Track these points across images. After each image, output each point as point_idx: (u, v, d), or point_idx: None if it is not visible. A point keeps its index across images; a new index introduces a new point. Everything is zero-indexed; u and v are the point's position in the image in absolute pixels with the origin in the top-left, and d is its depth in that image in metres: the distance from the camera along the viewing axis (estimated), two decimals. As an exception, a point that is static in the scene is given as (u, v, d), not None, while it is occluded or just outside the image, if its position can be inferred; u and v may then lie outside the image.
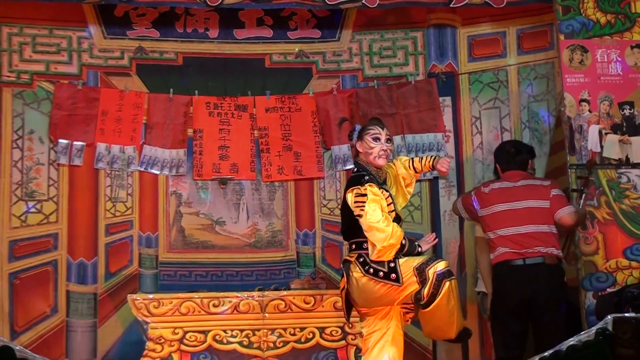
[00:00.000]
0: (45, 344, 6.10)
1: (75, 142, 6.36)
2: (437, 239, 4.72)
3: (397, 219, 4.57)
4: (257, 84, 6.76)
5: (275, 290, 5.93)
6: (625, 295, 5.04)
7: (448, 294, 4.35)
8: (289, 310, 5.79)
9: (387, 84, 6.71)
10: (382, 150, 4.61)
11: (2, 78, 6.31)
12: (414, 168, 4.77)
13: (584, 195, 5.51)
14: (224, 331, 5.77)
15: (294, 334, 5.79)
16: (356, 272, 4.51)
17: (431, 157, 4.77)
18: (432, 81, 6.66)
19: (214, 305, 5.72)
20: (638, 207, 5.56)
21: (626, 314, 4.43)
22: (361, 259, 4.50)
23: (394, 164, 4.80)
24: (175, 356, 5.67)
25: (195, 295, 5.75)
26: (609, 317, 4.27)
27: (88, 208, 6.41)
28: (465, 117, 6.63)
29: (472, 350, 6.27)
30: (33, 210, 6.28)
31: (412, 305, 4.58)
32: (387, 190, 4.59)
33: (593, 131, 5.68)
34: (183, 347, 5.68)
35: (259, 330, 5.77)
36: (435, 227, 6.53)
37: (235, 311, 5.76)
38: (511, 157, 5.47)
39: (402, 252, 4.43)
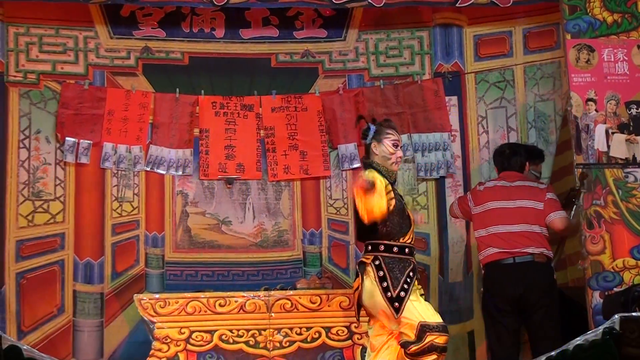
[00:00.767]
0: (52, 343, 6.11)
1: (81, 141, 6.37)
2: None
3: (408, 219, 4.62)
4: (263, 83, 6.76)
5: (281, 289, 5.93)
6: (632, 294, 5.02)
7: None
8: (295, 309, 5.78)
9: (393, 84, 6.71)
10: (399, 157, 4.68)
11: (9, 78, 6.31)
12: None
13: (574, 207, 5.54)
14: (230, 331, 5.76)
15: (300, 334, 5.79)
16: (368, 276, 4.54)
17: None
18: (438, 81, 6.65)
19: (220, 305, 5.72)
20: (645, 207, 5.56)
21: (633, 314, 4.41)
22: (377, 262, 4.53)
23: None
24: (182, 356, 5.67)
25: (201, 295, 5.75)
26: (615, 316, 4.25)
27: (94, 208, 6.42)
28: (472, 117, 6.62)
29: (478, 349, 6.28)
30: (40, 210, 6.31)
31: None
32: (391, 184, 4.59)
33: (600, 131, 5.67)
34: (189, 347, 5.69)
35: (265, 329, 5.76)
36: (442, 226, 6.53)
37: (241, 311, 5.76)
38: (505, 158, 5.56)
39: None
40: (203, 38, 6.71)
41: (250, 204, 6.68)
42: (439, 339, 4.42)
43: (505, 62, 6.58)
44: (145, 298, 5.71)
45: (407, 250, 4.62)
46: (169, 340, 5.66)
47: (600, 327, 4.25)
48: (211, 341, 5.74)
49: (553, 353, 4.28)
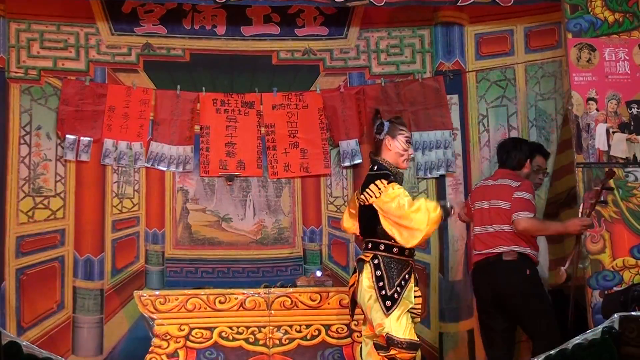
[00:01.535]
0: (52, 339, 6.11)
1: (82, 138, 6.37)
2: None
3: None
4: (264, 80, 6.75)
5: (281, 287, 5.93)
6: (631, 293, 5.03)
7: None
8: (295, 307, 5.79)
9: (394, 82, 6.70)
10: (410, 154, 4.74)
11: (10, 74, 6.31)
12: None
13: (595, 205, 5.43)
14: (230, 328, 5.77)
15: (299, 331, 5.80)
16: (365, 274, 4.55)
17: None
18: (439, 79, 6.65)
19: (220, 302, 5.73)
20: (645, 206, 5.56)
21: (632, 313, 4.42)
22: (375, 261, 4.54)
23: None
24: (181, 353, 5.68)
25: (201, 291, 5.76)
26: (615, 315, 4.26)
27: (95, 204, 6.42)
28: (473, 115, 6.62)
29: (478, 347, 6.27)
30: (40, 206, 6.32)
31: (420, 310, 4.68)
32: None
33: (600, 130, 5.67)
34: (189, 344, 5.70)
35: (264, 327, 5.77)
36: (442, 225, 6.49)
37: (241, 308, 5.76)
38: (505, 152, 5.58)
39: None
40: (204, 35, 6.71)
41: (250, 201, 6.68)
42: (401, 356, 4.43)
43: (507, 61, 6.57)
44: (145, 295, 5.72)
45: (407, 251, 4.63)
46: (168, 336, 5.67)
47: (599, 326, 4.26)
48: (211, 338, 5.75)
49: (552, 352, 4.28)
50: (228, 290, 5.78)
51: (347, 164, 6.67)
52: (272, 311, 5.76)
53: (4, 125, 6.25)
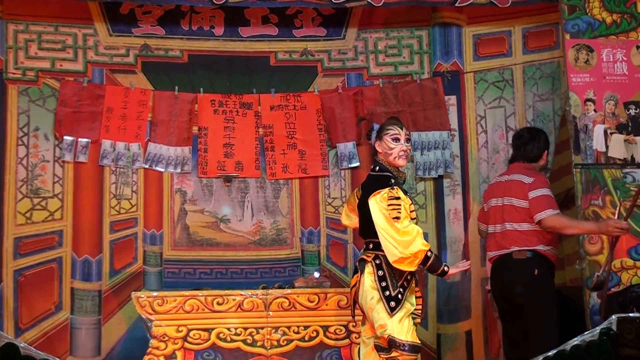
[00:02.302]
0: (50, 341, 6.11)
1: (80, 139, 6.38)
2: (469, 267, 4.71)
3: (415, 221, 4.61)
4: (262, 81, 6.76)
5: (279, 288, 5.92)
6: (629, 295, 5.04)
7: None
8: (293, 308, 5.79)
9: (392, 83, 6.71)
10: (402, 150, 4.61)
11: (8, 75, 6.31)
12: None
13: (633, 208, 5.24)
14: (228, 329, 5.77)
15: (297, 332, 5.79)
16: (368, 274, 4.53)
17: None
18: (437, 80, 6.65)
19: (218, 303, 5.72)
20: (643, 207, 5.55)
21: (630, 314, 4.42)
22: (377, 261, 4.52)
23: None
24: (179, 354, 5.67)
25: (199, 293, 5.75)
26: (613, 317, 4.26)
27: (93, 205, 6.42)
28: (471, 116, 6.62)
29: (476, 348, 6.28)
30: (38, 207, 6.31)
31: (420, 311, 4.66)
32: (410, 198, 4.62)
33: (598, 131, 5.67)
34: (187, 345, 5.69)
35: (262, 328, 5.77)
36: (440, 225, 6.53)
37: (239, 309, 5.76)
38: (522, 143, 5.39)
39: (424, 265, 4.45)
40: (202, 36, 6.71)
41: (248, 202, 6.68)
42: (403, 358, 4.40)
43: (504, 62, 6.57)
44: (143, 296, 5.71)
45: None
46: (166, 338, 5.67)
47: (597, 328, 4.26)
48: (209, 339, 5.75)
49: (550, 353, 4.28)
50: (226, 291, 5.78)
51: (344, 166, 6.67)
52: (270, 312, 5.76)
53: (1, 127, 6.25)
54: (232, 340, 5.76)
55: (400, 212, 4.41)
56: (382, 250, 4.51)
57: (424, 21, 6.76)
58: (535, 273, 5.10)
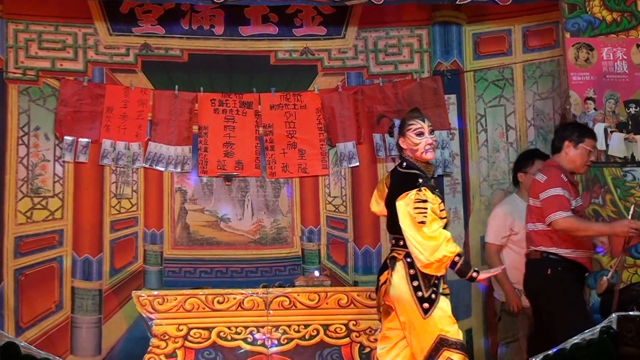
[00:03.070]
0: (50, 340, 6.11)
1: (80, 139, 6.38)
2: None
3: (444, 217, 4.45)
4: (262, 81, 6.75)
5: (279, 287, 5.93)
6: (630, 293, 5.03)
7: None
8: (294, 307, 5.78)
9: (392, 82, 6.71)
10: (428, 144, 4.43)
11: (8, 74, 6.31)
12: None
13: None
14: (229, 328, 5.77)
15: (298, 331, 5.79)
16: (398, 272, 4.38)
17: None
18: (437, 79, 6.65)
19: (219, 302, 5.72)
20: (644, 205, 5.55)
21: (630, 312, 4.42)
22: (409, 259, 4.35)
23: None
24: (180, 353, 5.67)
25: (199, 291, 5.75)
26: (613, 315, 4.26)
27: (93, 204, 6.42)
28: (471, 115, 6.62)
29: (476, 347, 6.29)
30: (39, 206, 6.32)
31: None
32: (438, 195, 4.43)
33: (598, 129, 5.67)
34: (187, 344, 5.69)
35: (263, 327, 5.77)
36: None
37: (239, 308, 5.76)
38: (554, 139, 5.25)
39: (453, 268, 4.28)
40: (202, 35, 6.71)
41: (249, 201, 6.68)
42: (456, 357, 4.20)
43: (504, 61, 6.58)
44: (143, 295, 5.71)
45: None
46: (167, 337, 5.67)
47: (597, 326, 4.26)
48: (209, 338, 5.75)
49: (550, 352, 4.28)
50: (226, 290, 5.77)
51: (344, 166, 6.67)
52: (271, 311, 5.76)
53: (2, 126, 6.25)
54: (233, 339, 5.76)
55: (426, 216, 4.23)
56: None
57: (424, 20, 6.76)
58: (548, 273, 5.02)
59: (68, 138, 6.34)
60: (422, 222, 4.23)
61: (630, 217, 5.02)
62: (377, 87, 6.71)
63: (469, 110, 6.62)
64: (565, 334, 4.73)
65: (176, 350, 5.67)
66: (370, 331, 5.80)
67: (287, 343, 5.76)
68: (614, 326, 4.18)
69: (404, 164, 4.48)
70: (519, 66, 6.52)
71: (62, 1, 6.32)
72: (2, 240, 6.14)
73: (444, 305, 4.32)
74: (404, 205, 4.30)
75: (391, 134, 4.68)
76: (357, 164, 6.64)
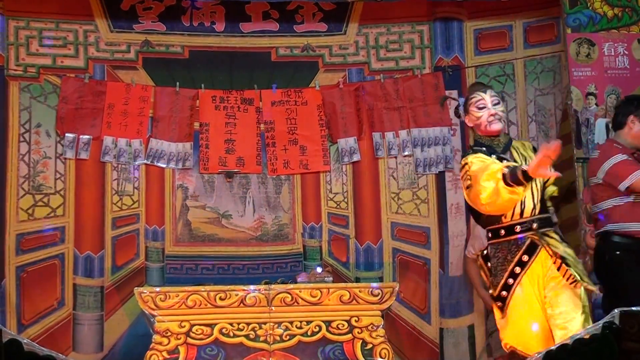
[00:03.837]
0: (52, 337, 6.11)
1: (81, 136, 6.38)
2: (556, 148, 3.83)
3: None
4: (263, 77, 6.75)
5: (281, 283, 5.93)
6: (632, 289, 5.03)
7: None
8: (296, 303, 5.78)
9: (393, 78, 6.70)
10: (491, 115, 4.13)
11: (9, 71, 6.31)
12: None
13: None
14: (231, 324, 5.77)
15: (300, 328, 5.79)
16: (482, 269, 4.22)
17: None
18: (438, 75, 6.65)
19: (221, 299, 5.72)
20: (645, 201, 5.54)
21: (633, 308, 4.41)
22: (484, 252, 4.20)
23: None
24: (182, 349, 5.67)
25: (201, 288, 5.75)
26: (615, 310, 4.25)
27: (95, 201, 6.41)
28: (472, 111, 6.60)
29: (478, 342, 6.30)
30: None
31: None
32: (505, 159, 4.08)
33: (600, 125, 5.68)
34: (190, 340, 5.69)
35: (265, 323, 5.76)
36: (442, 220, 6.53)
37: (241, 304, 5.76)
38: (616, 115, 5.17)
39: (509, 185, 3.81)
40: (203, 32, 6.70)
41: (250, 197, 6.68)
42: None
43: (506, 56, 6.57)
44: (145, 291, 5.71)
45: (517, 228, 4.06)
46: (169, 333, 5.67)
47: (600, 322, 4.25)
48: (211, 335, 5.75)
49: (553, 347, 4.28)
50: (228, 286, 5.77)
51: (345, 161, 6.67)
52: (273, 307, 5.76)
53: (3, 123, 6.25)
54: (235, 336, 5.76)
55: (469, 179, 3.95)
56: (490, 238, 4.14)
57: (425, 16, 6.75)
58: (605, 258, 5.01)
59: (69, 135, 6.34)
60: (469, 187, 3.99)
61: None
62: (378, 83, 6.70)
63: (470, 106, 6.60)
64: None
65: (178, 346, 5.67)
66: (372, 327, 5.80)
67: (289, 339, 5.76)
68: (617, 322, 4.17)
69: (473, 143, 4.26)
70: (520, 62, 6.52)
71: (63, -2, 6.33)
72: (3, 237, 6.13)
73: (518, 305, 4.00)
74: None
75: (458, 115, 4.42)
76: (359, 159, 6.64)
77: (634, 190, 4.86)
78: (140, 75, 6.59)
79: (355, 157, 6.64)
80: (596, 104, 5.73)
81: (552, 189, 4.19)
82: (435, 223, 6.54)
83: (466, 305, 6.34)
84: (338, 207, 6.66)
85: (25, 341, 4.59)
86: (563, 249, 4.05)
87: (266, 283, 5.90)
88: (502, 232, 4.11)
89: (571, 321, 3.96)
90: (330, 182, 6.72)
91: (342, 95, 6.70)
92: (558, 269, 4.03)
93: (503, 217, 4.08)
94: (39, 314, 6.14)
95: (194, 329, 5.69)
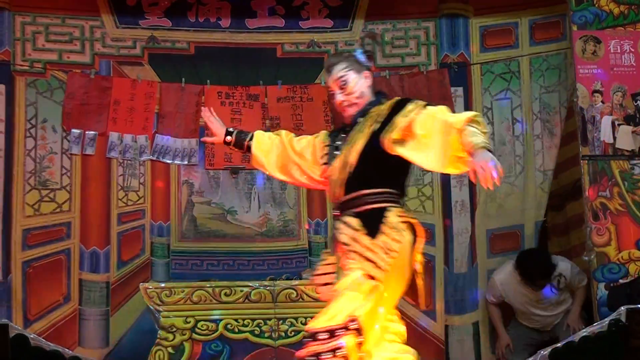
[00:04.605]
0: (58, 332, 6.11)
1: (87, 132, 6.38)
2: None
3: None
4: (269, 73, 6.74)
5: (286, 279, 5.94)
6: (637, 286, 5.05)
7: None
8: (301, 299, 5.80)
9: (399, 74, 6.70)
10: (340, 102, 3.72)
11: (16, 67, 6.31)
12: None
13: None
14: (236, 320, 5.79)
15: (305, 324, 5.78)
16: None
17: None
18: (444, 71, 6.64)
19: (226, 294, 5.74)
20: (651, 198, 5.56)
21: (639, 305, 4.43)
22: None
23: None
24: (187, 345, 5.69)
25: (207, 284, 5.77)
26: (621, 308, 4.28)
27: (100, 197, 6.42)
28: (477, 108, 6.58)
29: (483, 339, 6.30)
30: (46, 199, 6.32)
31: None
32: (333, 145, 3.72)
33: (606, 122, 5.68)
34: (195, 336, 5.71)
35: (270, 319, 5.78)
36: (447, 217, 6.52)
37: (246, 300, 5.78)
38: None
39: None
40: (209, 28, 6.69)
41: (255, 193, 6.68)
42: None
43: (511, 54, 6.56)
44: (151, 287, 5.73)
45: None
46: (174, 329, 5.68)
47: (606, 319, 4.27)
48: (216, 330, 5.77)
49: (559, 345, 4.30)
50: (234, 282, 5.79)
51: (350, 157, 6.65)
52: (278, 303, 5.77)
53: (10, 119, 6.24)
54: (240, 332, 5.78)
55: None
56: None
57: (430, 12, 6.74)
58: None
59: (75, 131, 6.35)
60: None
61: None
62: (383, 80, 6.69)
63: (476, 103, 6.60)
64: None
65: (183, 342, 5.69)
66: (377, 323, 5.81)
67: (294, 335, 5.78)
68: (623, 319, 4.19)
69: None
70: (526, 59, 6.51)
71: (69, -7, 6.33)
72: (10, 232, 6.14)
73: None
74: None
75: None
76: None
77: None
78: (146, 71, 6.59)
79: (360, 154, 6.63)
80: (602, 102, 5.73)
81: None
82: (440, 220, 6.54)
83: (471, 302, 6.34)
84: (343, 203, 6.65)
85: (31, 336, 4.63)
86: None
87: (271, 279, 5.92)
88: None
89: None
90: (336, 179, 6.70)
91: (347, 91, 6.68)
92: None
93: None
94: (45, 309, 6.15)
95: (199, 324, 5.71)
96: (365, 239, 3.43)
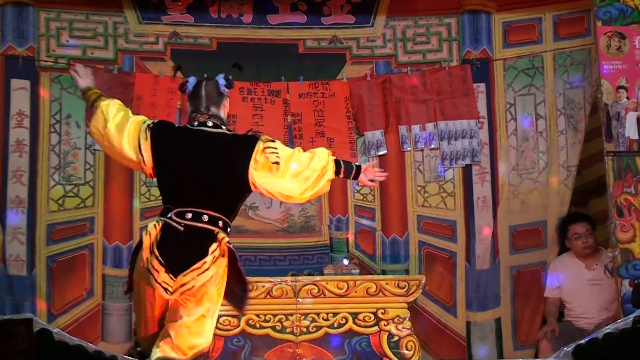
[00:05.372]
0: (81, 326, 6.14)
1: (110, 127, 6.41)
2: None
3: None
4: (291, 69, 6.74)
5: (308, 275, 5.95)
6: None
7: None
8: (322, 295, 5.81)
9: (420, 70, 6.68)
10: None
11: (40, 63, 6.36)
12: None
13: None
14: (257, 316, 5.81)
15: (327, 319, 5.82)
16: None
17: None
18: (466, 67, 6.62)
19: (248, 290, 5.74)
20: (676, 195, 5.51)
21: (663, 303, 4.40)
22: None
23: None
24: (209, 339, 5.70)
25: (229, 279, 5.77)
26: (646, 304, 4.25)
27: (123, 192, 6.44)
28: (500, 104, 6.58)
29: (505, 336, 6.28)
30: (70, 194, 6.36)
31: None
32: None
33: (631, 118, 5.63)
34: (216, 331, 5.59)
35: (292, 315, 5.80)
36: (468, 213, 6.50)
37: (268, 296, 5.79)
38: None
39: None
40: (231, 23, 6.70)
41: (277, 189, 6.67)
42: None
43: (535, 49, 6.53)
44: (173, 282, 5.73)
45: None
46: (196, 324, 5.69)
47: (630, 316, 4.25)
48: (238, 326, 5.79)
49: (583, 341, 4.27)
50: (255, 278, 5.79)
51: (372, 154, 6.66)
52: (299, 299, 5.78)
53: (35, 114, 6.29)
54: (261, 327, 5.79)
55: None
56: None
57: (452, 8, 6.71)
58: None
59: (98, 126, 6.38)
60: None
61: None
62: (405, 76, 6.69)
63: (498, 99, 6.58)
64: None
65: (205, 337, 5.70)
66: (398, 320, 5.82)
67: (315, 331, 5.79)
68: (647, 316, 4.16)
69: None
70: (550, 55, 6.47)
71: (93, -10, 6.36)
72: (34, 227, 6.18)
73: None
74: None
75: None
76: (385, 152, 6.62)
77: None
78: (168, 67, 6.59)
79: (382, 150, 6.63)
80: (627, 97, 5.68)
81: None
82: (461, 216, 6.52)
83: (493, 299, 6.32)
84: (365, 199, 6.66)
85: (55, 330, 4.66)
86: None
87: (293, 275, 5.92)
88: None
89: None
90: (357, 175, 6.69)
91: (369, 87, 6.69)
92: None
93: None
94: (69, 304, 6.19)
95: (220, 319, 5.71)
96: None
